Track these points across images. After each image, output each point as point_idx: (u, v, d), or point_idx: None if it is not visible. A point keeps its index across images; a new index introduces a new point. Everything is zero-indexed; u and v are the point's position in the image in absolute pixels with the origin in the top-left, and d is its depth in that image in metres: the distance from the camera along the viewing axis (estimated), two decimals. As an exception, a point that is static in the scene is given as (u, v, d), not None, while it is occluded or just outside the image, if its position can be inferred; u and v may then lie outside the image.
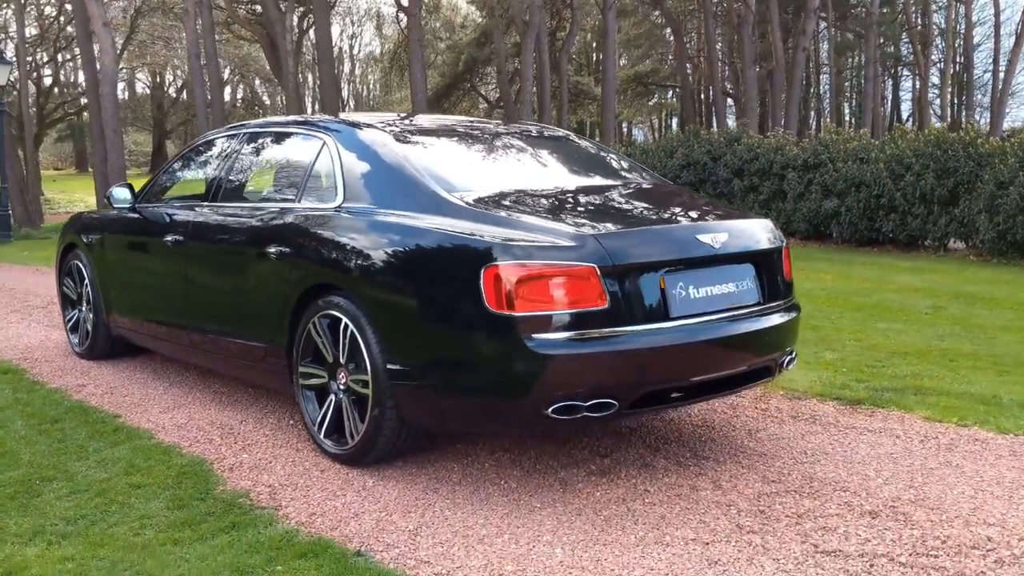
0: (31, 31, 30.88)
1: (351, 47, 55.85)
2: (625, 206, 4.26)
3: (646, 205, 4.35)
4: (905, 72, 42.61)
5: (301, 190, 4.59)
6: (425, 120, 5.14)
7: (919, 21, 36.71)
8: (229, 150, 5.32)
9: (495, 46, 25.77)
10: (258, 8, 25.47)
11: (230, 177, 5.18)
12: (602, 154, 5.20)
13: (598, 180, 4.73)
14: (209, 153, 5.63)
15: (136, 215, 5.71)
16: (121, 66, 35.55)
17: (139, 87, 54.76)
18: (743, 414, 4.98)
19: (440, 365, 3.75)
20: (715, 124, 30.93)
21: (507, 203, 3.97)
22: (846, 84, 43.15)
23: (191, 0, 20.59)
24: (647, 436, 4.58)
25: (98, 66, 19.14)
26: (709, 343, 3.81)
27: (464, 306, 3.61)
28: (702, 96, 37.88)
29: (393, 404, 3.89)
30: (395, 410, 3.91)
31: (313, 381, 4.29)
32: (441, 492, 3.85)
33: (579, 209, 4.08)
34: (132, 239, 5.76)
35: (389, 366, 3.86)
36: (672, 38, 33.48)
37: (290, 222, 4.46)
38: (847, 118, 43.14)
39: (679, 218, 4.19)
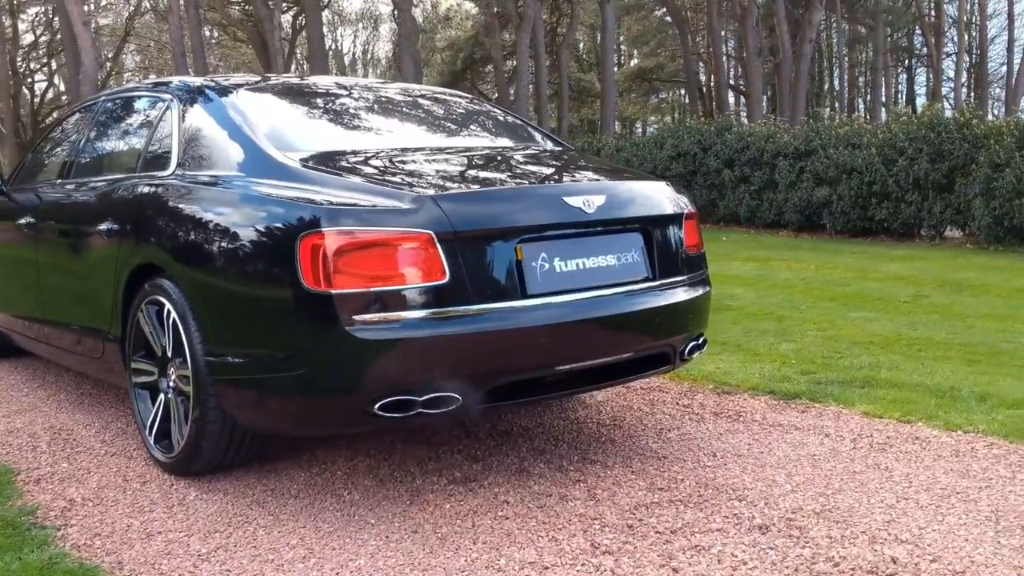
0: (28, 38, 30.69)
1: (353, 47, 55.41)
2: (492, 168, 3.65)
3: (519, 167, 3.73)
4: (919, 65, 41.63)
5: (140, 159, 4.03)
6: (300, 80, 4.55)
7: (931, 12, 35.76)
8: (84, 122, 4.77)
9: (491, 42, 25.19)
10: (250, 8, 24.99)
11: (82, 151, 4.63)
12: (501, 120, 4.58)
13: (479, 143, 4.15)
14: (68, 127, 5.08)
15: (2, 199, 5.17)
16: (123, 71, 35.37)
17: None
18: (660, 411, 4.37)
19: (258, 357, 3.17)
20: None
21: (346, 164, 3.38)
22: (859, 78, 42.23)
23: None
24: (536, 436, 3.98)
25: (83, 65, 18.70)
26: (578, 325, 3.20)
27: (279, 283, 3.03)
28: (712, 92, 37.08)
29: (216, 404, 3.31)
30: (220, 411, 3.33)
31: (144, 378, 3.73)
32: (269, 506, 3.27)
33: (432, 170, 3.47)
34: None
35: (208, 359, 3.29)
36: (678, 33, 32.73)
37: (121, 195, 3.91)
38: (861, 113, 42.21)
39: (547, 179, 3.57)
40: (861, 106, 41.98)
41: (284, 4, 25.54)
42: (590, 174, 3.80)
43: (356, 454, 3.77)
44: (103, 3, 32.32)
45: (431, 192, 3.05)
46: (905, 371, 5.03)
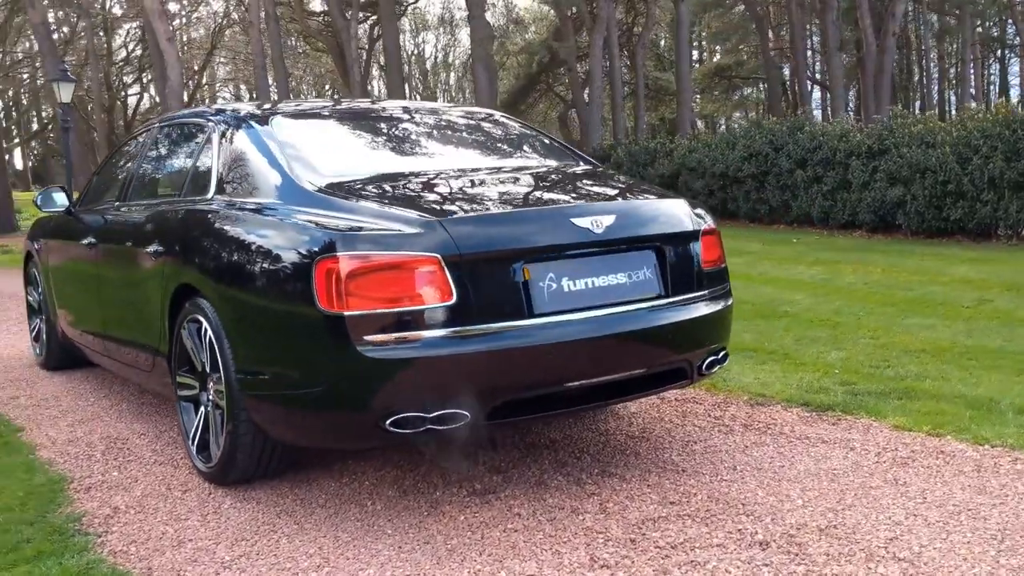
0: (123, 53, 31.91)
1: (435, 51, 56.11)
2: (508, 191, 3.75)
3: (536, 189, 3.82)
4: (1012, 55, 40.16)
5: (185, 183, 4.26)
6: (335, 105, 4.73)
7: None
8: (141, 147, 5.04)
9: (562, 45, 25.25)
10: (329, 19, 25.55)
11: (136, 175, 4.90)
12: (530, 140, 4.67)
13: (503, 164, 4.24)
14: (128, 151, 5.37)
15: (71, 219, 5.49)
16: (215, 81, 36.49)
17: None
18: (691, 423, 4.42)
19: (280, 374, 3.34)
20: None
21: (364, 189, 3.53)
22: (950, 70, 40.97)
23: (256, 12, 20.76)
24: (561, 449, 4.07)
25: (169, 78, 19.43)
26: (586, 343, 3.29)
27: (297, 305, 3.20)
28: (793, 88, 36.43)
29: (247, 417, 3.50)
30: (251, 424, 3.51)
31: (187, 392, 3.95)
32: (296, 515, 3.45)
33: (447, 194, 3.60)
34: (64, 244, 5.55)
35: (238, 375, 3.48)
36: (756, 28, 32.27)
37: (167, 218, 4.14)
38: (951, 107, 40.95)
39: (557, 201, 3.66)
40: (952, 99, 40.72)
41: (361, 14, 26.05)
42: (606, 194, 3.87)
43: (385, 464, 3.93)
44: (195, 16, 33.51)
45: (439, 217, 3.17)
46: (950, 381, 4.97)
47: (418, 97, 65.21)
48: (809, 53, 33.10)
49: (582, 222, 3.32)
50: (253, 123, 4.02)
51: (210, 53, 30.28)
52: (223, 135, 4.10)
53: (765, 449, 3.99)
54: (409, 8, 30.95)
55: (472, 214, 3.29)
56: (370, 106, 4.73)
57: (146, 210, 4.45)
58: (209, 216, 3.79)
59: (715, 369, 3.82)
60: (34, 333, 6.41)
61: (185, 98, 31.71)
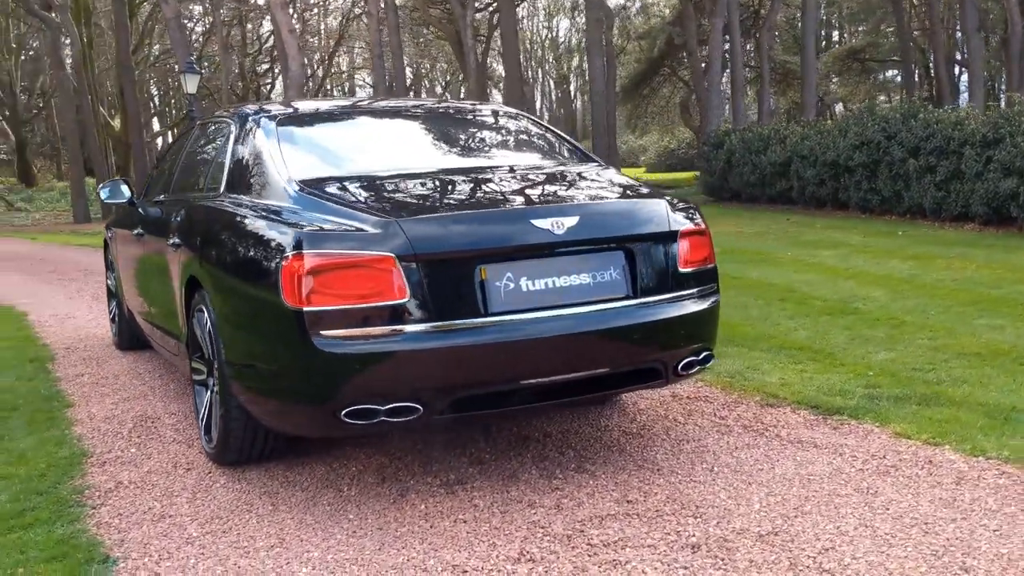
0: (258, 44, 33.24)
1: (569, 36, 56.01)
2: (476, 190, 3.82)
3: (509, 189, 3.86)
4: None
5: (206, 180, 4.53)
6: (343, 104, 4.91)
7: None
8: (185, 143, 5.35)
9: (676, 30, 24.87)
10: (449, 7, 25.95)
11: (179, 169, 5.20)
12: (530, 137, 4.73)
13: (490, 163, 4.29)
14: (176, 146, 5.70)
15: (132, 209, 5.87)
16: (343, 70, 37.59)
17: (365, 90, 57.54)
18: (693, 421, 4.41)
19: (254, 364, 3.54)
20: (943, 101, 28.26)
21: (340, 189, 3.67)
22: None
23: (375, 2, 21.31)
24: (550, 442, 4.14)
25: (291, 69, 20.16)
26: (542, 342, 3.35)
27: (267, 299, 3.38)
28: (933, 71, 34.70)
29: (237, 403, 3.73)
30: (241, 409, 3.73)
31: (199, 376, 4.21)
32: (276, 496, 3.65)
33: (417, 194, 3.71)
34: (125, 233, 5.94)
35: (227, 363, 3.70)
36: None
37: (184, 213, 4.41)
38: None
39: (519, 201, 3.71)
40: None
41: (479, 2, 26.35)
42: (575, 195, 3.90)
43: (377, 452, 4.09)
44: (330, 5, 34.57)
45: (397, 217, 3.29)
46: (987, 388, 4.77)
47: (551, 82, 65.15)
48: (946, 35, 31.47)
49: (542, 223, 3.38)
50: (260, 123, 4.23)
51: (338, 42, 31.29)
52: (237, 134, 4.33)
53: (753, 451, 3.95)
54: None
55: (429, 215, 3.40)
56: (382, 105, 4.88)
57: (175, 204, 4.74)
58: (209, 211, 4.02)
59: (694, 370, 3.80)
60: (111, 315, 6.88)
61: (311, 86, 32.81)
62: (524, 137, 4.71)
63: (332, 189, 3.64)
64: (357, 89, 41.94)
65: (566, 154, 4.50)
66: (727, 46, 24.24)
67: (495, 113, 4.93)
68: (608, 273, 3.52)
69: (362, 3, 28.11)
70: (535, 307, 3.37)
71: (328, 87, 37.81)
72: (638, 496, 3.47)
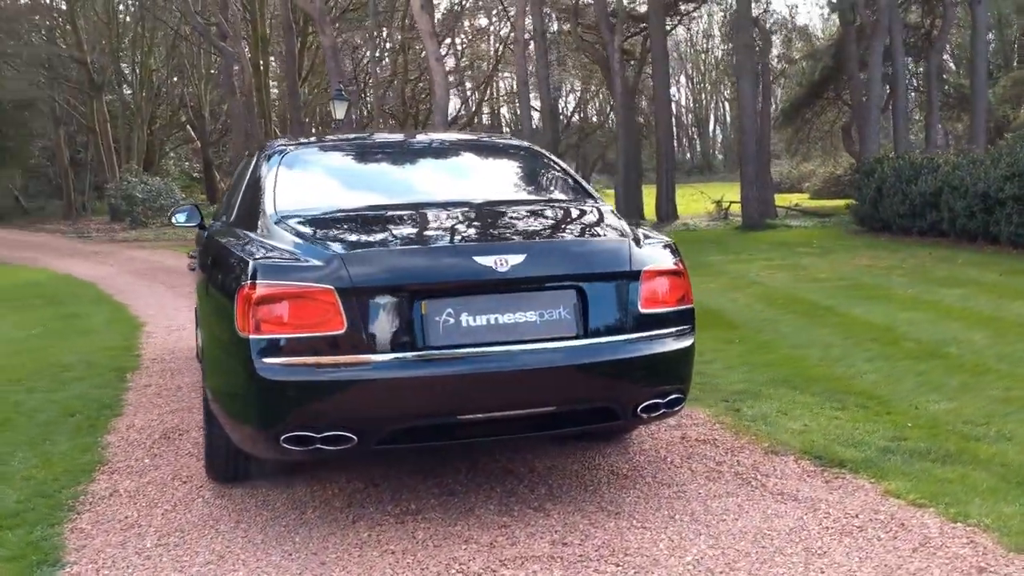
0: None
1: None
2: (441, 225, 3.86)
3: (463, 224, 3.90)
4: None
5: (228, 208, 4.79)
6: (359, 137, 5.12)
7: None
8: (239, 170, 5.67)
9: (845, 51, 23.95)
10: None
11: (226, 198, 5.51)
12: (527, 172, 4.78)
13: (462, 198, 4.26)
14: (236, 174, 6.03)
15: (201, 232, 6.25)
16: (503, 95, 38.20)
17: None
18: (688, 466, 4.29)
19: (223, 388, 3.72)
20: None
21: (309, 222, 3.79)
22: None
23: (521, 29, 21.69)
24: (528, 477, 4.13)
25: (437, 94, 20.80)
26: (479, 378, 3.37)
27: (226, 327, 3.55)
28: None
29: (218, 422, 3.92)
30: (221, 428, 3.93)
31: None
32: (244, 514, 3.82)
33: (376, 228, 3.80)
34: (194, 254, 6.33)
35: (207, 383, 3.92)
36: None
37: (205, 240, 4.68)
38: None
39: (467, 237, 3.73)
40: None
41: (633, 28, 26.33)
42: (532, 232, 3.91)
43: (358, 476, 4.19)
44: (493, 30, 35.35)
45: (340, 250, 3.41)
46: (1028, 447, 4.41)
47: (704, 99, 64.12)
48: None
49: (485, 260, 3.40)
50: (269, 158, 4.45)
51: (495, 67, 31.96)
52: (253, 167, 4.57)
53: (727, 501, 3.82)
54: (684, 18, 30.76)
55: (370, 249, 3.49)
56: (390, 139, 5.05)
57: (208, 228, 5.03)
58: (208, 239, 4.27)
59: (658, 413, 3.71)
60: (196, 329, 7.32)
61: (470, 110, 33.50)
62: (522, 172, 4.74)
63: (302, 223, 3.79)
64: (507, 115, 42.68)
65: (561, 191, 4.49)
66: (887, 69, 23.17)
67: (503, 147, 4.98)
68: (556, 311, 3.50)
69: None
70: (475, 343, 3.39)
71: (489, 111, 38.80)
72: (576, 540, 3.42)
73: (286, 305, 3.34)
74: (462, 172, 4.71)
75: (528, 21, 22.25)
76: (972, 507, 3.59)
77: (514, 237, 3.79)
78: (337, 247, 3.47)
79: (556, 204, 4.28)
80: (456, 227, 3.84)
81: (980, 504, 3.63)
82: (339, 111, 19.18)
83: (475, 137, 5.38)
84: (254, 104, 25.93)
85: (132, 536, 3.61)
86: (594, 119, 48.80)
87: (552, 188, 4.55)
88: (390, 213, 3.97)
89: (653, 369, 3.65)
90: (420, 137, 5.26)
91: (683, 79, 71.35)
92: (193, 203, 6.65)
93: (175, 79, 38.96)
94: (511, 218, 4.03)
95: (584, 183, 4.59)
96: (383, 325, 3.35)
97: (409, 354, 3.34)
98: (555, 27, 33.79)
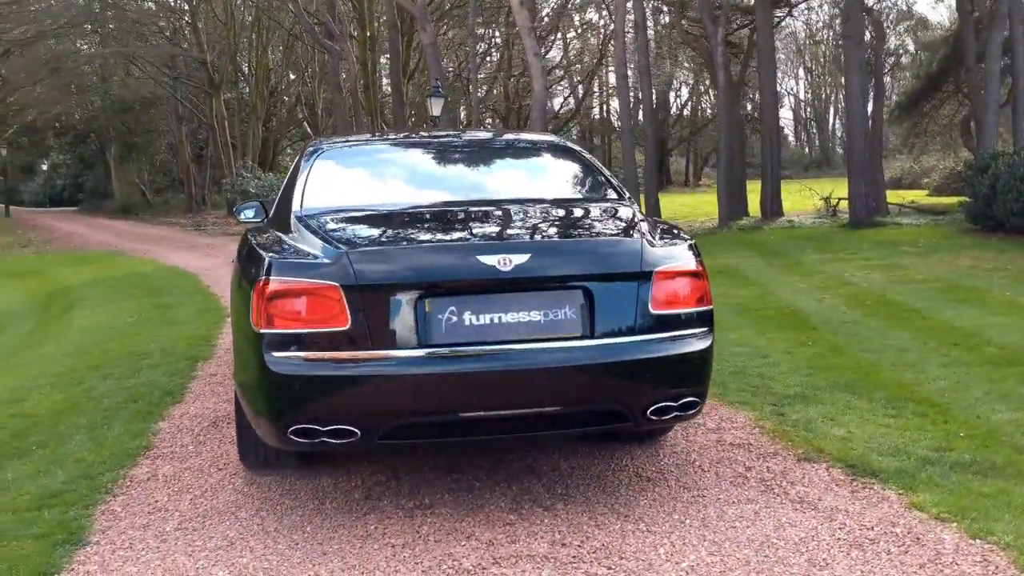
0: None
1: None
2: (446, 224, 3.92)
3: (476, 223, 3.94)
4: None
5: (273, 205, 4.92)
6: (394, 137, 5.20)
7: None
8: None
9: (964, 42, 22.90)
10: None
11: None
12: (557, 170, 4.78)
13: (493, 196, 4.31)
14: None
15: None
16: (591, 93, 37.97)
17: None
18: (715, 470, 4.21)
19: (241, 380, 3.84)
20: None
21: (330, 219, 3.89)
22: None
23: (621, 21, 21.52)
24: (548, 476, 4.12)
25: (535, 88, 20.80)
26: (482, 376, 3.39)
27: (246, 321, 3.67)
28: None
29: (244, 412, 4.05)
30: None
31: (245, 385, 4.60)
32: (264, 504, 3.93)
33: (386, 225, 3.88)
34: None
35: (233, 374, 4.05)
36: None
37: (242, 237, 4.83)
38: None
39: (475, 236, 3.75)
40: None
41: (740, 20, 25.81)
42: (541, 231, 3.89)
43: (383, 469, 4.26)
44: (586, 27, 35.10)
45: (346, 248, 3.47)
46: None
47: (824, 92, 62.27)
48: None
49: (488, 259, 3.42)
50: (306, 156, 4.57)
51: (598, 62, 31.77)
52: (294, 165, 4.69)
53: (745, 507, 3.74)
54: (794, 9, 29.90)
55: (375, 247, 3.55)
56: (425, 139, 5.12)
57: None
58: (244, 234, 4.40)
59: (669, 417, 3.66)
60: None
61: (571, 105, 33.33)
62: (550, 171, 4.72)
63: (322, 221, 3.88)
64: (618, 109, 42.28)
65: (587, 189, 4.46)
66: (1006, 61, 22.05)
67: (535, 145, 4.98)
68: (562, 311, 3.49)
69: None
70: (478, 341, 3.41)
71: (599, 105, 38.70)
72: (575, 541, 3.41)
73: (296, 301, 3.43)
74: (489, 171, 4.73)
75: (629, 14, 22.06)
76: (998, 524, 3.42)
77: (521, 236, 3.79)
78: (344, 245, 3.54)
79: (577, 203, 4.27)
80: (469, 226, 3.87)
81: (1008, 521, 3.45)
82: (436, 108, 19.43)
83: (509, 135, 5.39)
84: (360, 102, 26.49)
85: (156, 519, 3.76)
86: (708, 112, 47.96)
87: (578, 186, 4.53)
88: (408, 212, 4.02)
89: (664, 372, 3.60)
90: (455, 137, 5.30)
91: (801, 72, 69.54)
92: (260, 200, 6.84)
93: (292, 77, 40.19)
94: (526, 217, 4.03)
95: (613, 180, 4.54)
96: (387, 322, 3.40)
97: (412, 351, 3.39)
98: (665, 19, 33.43)
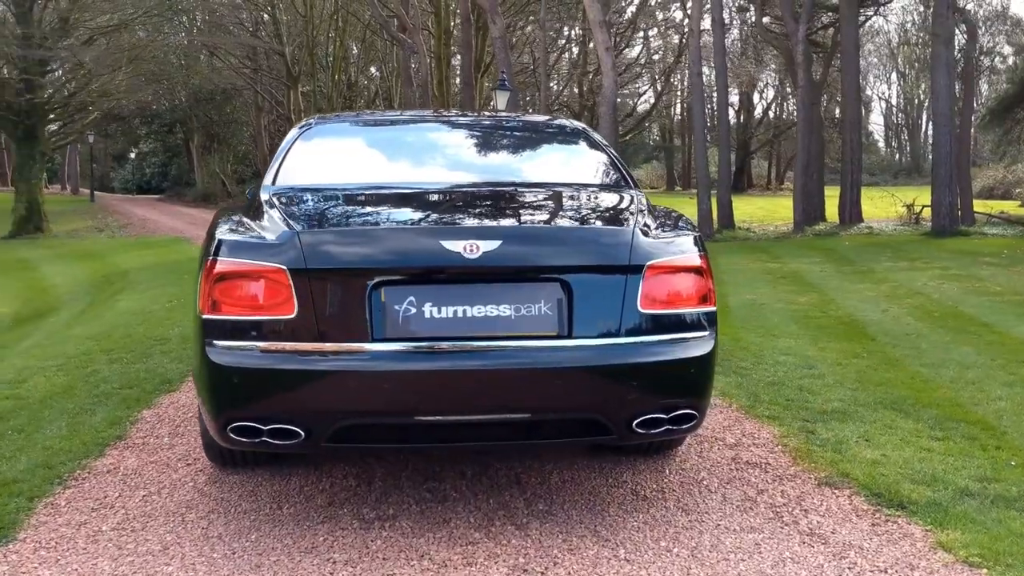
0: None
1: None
2: (424, 206, 3.53)
3: (459, 205, 3.55)
4: None
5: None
6: (390, 115, 4.84)
7: None
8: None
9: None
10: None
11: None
12: (562, 153, 4.37)
13: (478, 178, 3.94)
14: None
15: None
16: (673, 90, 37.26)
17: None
18: (722, 491, 3.76)
19: (193, 368, 3.52)
20: None
21: (293, 199, 3.55)
22: None
23: (697, 19, 20.88)
24: (532, 489, 3.72)
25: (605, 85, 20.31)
26: (439, 375, 3.00)
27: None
28: None
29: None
30: None
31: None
32: (219, 502, 3.62)
33: (355, 206, 3.51)
34: None
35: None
36: None
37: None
38: None
39: (447, 219, 3.35)
40: None
41: (825, 18, 24.91)
42: (520, 216, 3.48)
43: (354, 473, 3.91)
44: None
45: (298, 228, 3.12)
46: None
47: (918, 97, 60.26)
48: None
49: (453, 245, 3.02)
50: (290, 132, 4.24)
51: (676, 59, 31.03)
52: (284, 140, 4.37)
53: (745, 537, 3.28)
54: (882, 8, 28.73)
55: (328, 229, 3.18)
56: (424, 116, 4.76)
57: None
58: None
59: (660, 430, 3.21)
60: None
61: (651, 101, 32.66)
62: (553, 154, 4.31)
63: (290, 199, 3.54)
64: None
65: (591, 175, 4.03)
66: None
67: (541, 127, 4.57)
68: (536, 306, 3.07)
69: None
70: (438, 336, 3.02)
71: (662, 103, 37.86)
72: (539, 567, 3.01)
73: (243, 285, 3.10)
74: (485, 153, 4.35)
75: (707, 11, 21.43)
76: (1011, 563, 2.90)
77: (494, 221, 3.39)
78: (297, 225, 3.18)
79: (572, 188, 3.83)
80: (440, 209, 3.49)
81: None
82: (501, 101, 19.09)
83: (518, 117, 4.98)
84: (431, 95, 26.30)
85: (96, 517, 3.47)
86: (793, 115, 46.72)
87: (579, 171, 4.11)
88: (380, 192, 3.66)
89: (652, 379, 3.15)
90: (459, 117, 4.92)
91: (894, 76, 67.46)
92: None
93: (371, 70, 40.37)
94: (509, 201, 3.63)
95: (624, 168, 4.10)
96: (336, 311, 3.03)
97: (364, 345, 3.01)
98: (752, 18, 32.54)
